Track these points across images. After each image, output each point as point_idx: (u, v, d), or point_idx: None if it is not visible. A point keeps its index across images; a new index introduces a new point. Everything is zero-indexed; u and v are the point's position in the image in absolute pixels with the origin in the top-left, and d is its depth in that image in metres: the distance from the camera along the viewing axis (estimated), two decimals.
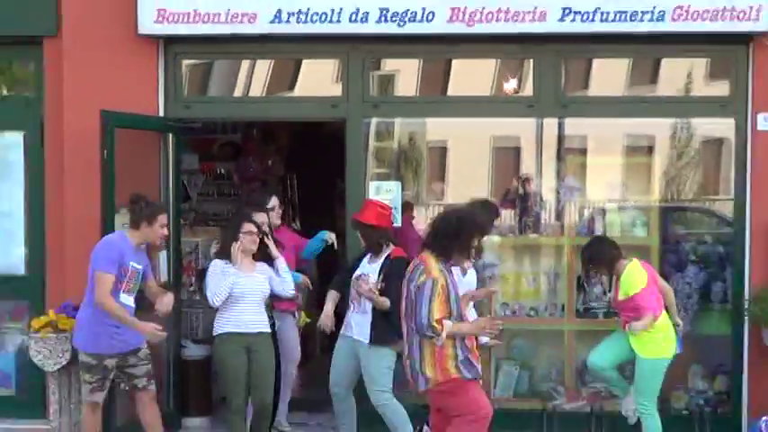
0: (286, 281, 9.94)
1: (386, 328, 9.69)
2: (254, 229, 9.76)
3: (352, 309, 10.05)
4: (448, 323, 8.20)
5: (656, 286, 9.71)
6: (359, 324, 9.92)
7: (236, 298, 9.61)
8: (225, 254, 9.79)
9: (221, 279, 9.60)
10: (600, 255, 9.73)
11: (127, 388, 9.62)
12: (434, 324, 8.15)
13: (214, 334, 9.84)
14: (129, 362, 9.44)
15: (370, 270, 9.94)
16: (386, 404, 9.85)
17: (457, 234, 8.49)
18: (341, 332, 10.14)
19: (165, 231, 9.67)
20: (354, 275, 10.04)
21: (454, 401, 8.44)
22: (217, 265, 9.75)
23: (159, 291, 9.75)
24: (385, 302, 9.69)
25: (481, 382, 8.70)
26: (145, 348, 9.61)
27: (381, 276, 9.78)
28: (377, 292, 9.73)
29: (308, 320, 11.45)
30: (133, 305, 9.46)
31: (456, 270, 9.14)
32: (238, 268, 9.64)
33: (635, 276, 9.65)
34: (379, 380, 9.83)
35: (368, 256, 10.06)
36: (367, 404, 10.10)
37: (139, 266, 9.47)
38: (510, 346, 11.37)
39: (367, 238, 9.99)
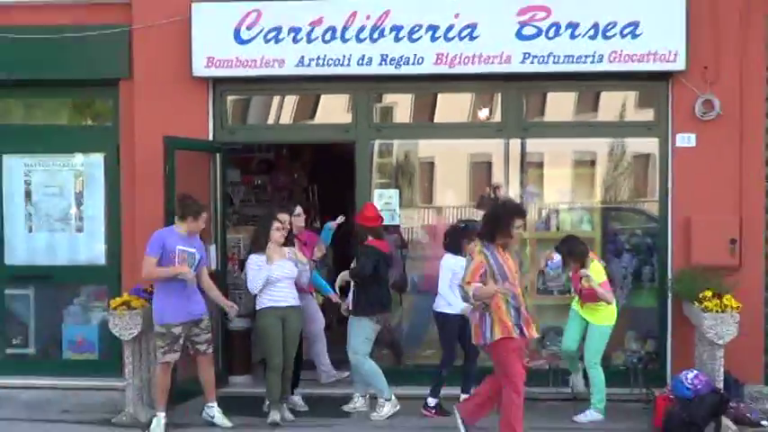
0: (303, 271, 10.25)
1: (362, 301, 10.16)
2: (281, 225, 10.05)
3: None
4: (474, 285, 8.49)
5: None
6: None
7: (271, 282, 9.89)
8: (257, 247, 10.06)
9: (258, 273, 9.89)
10: (575, 249, 9.93)
11: (191, 352, 9.89)
12: (463, 285, 8.62)
13: (257, 309, 10.05)
14: (192, 331, 9.77)
15: None
16: (357, 364, 10.27)
17: (496, 219, 8.85)
18: None
19: (203, 226, 9.98)
20: None
21: (495, 360, 8.86)
22: (253, 261, 9.99)
23: (211, 285, 10.07)
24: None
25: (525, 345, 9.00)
26: (207, 320, 9.94)
27: (354, 260, 10.29)
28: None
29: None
30: (190, 278, 9.73)
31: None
32: (270, 261, 9.92)
33: (600, 270, 9.95)
34: (356, 346, 10.24)
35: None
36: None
37: (191, 249, 9.76)
38: None
39: (355, 233, 10.47)
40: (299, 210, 10.98)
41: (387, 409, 10.23)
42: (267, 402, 10.12)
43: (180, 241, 9.71)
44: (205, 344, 9.96)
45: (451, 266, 10.16)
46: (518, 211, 9.07)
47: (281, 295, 10.03)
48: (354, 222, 10.54)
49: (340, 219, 11.17)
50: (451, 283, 10.01)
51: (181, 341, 9.76)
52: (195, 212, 9.81)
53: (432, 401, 10.35)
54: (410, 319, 11.76)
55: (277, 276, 9.97)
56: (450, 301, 10.14)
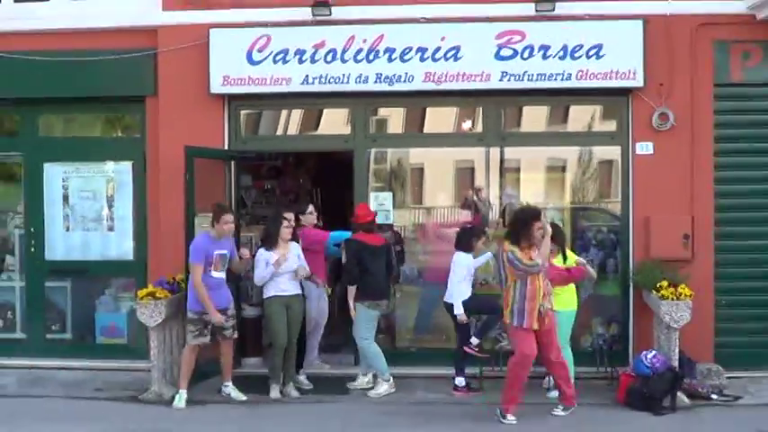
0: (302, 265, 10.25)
1: (359, 291, 10.20)
2: (288, 223, 10.19)
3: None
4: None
5: None
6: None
7: (276, 273, 10.01)
8: (267, 241, 10.19)
9: (264, 268, 10.01)
10: (560, 235, 9.91)
11: (218, 337, 9.98)
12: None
13: (264, 297, 10.18)
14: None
15: None
16: (362, 346, 10.30)
17: (519, 224, 9.14)
18: None
19: (229, 227, 9.97)
20: None
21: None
22: (262, 255, 10.11)
23: (239, 264, 10.33)
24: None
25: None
26: (232, 309, 10.14)
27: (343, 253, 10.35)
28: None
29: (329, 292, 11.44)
30: (223, 276, 10.00)
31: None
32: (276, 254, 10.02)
33: (573, 256, 10.06)
34: (358, 331, 10.28)
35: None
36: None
37: (224, 251, 9.96)
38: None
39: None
40: (311, 208, 11.15)
41: (384, 388, 10.23)
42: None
43: (214, 246, 9.88)
44: (231, 329, 10.08)
45: (465, 264, 10.29)
46: (536, 215, 9.24)
47: (284, 286, 10.12)
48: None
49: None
50: (464, 278, 10.26)
51: (210, 327, 9.89)
52: (216, 218, 9.90)
53: (460, 381, 10.37)
54: (404, 306, 11.67)
55: (282, 269, 10.03)
56: (459, 294, 10.28)
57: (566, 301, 9.90)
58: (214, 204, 10.22)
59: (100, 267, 11.76)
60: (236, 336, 10.21)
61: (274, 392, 10.12)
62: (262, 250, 10.23)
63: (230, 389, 10.15)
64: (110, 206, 11.78)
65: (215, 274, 9.90)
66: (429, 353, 11.42)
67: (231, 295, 10.29)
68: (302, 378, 10.66)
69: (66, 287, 11.89)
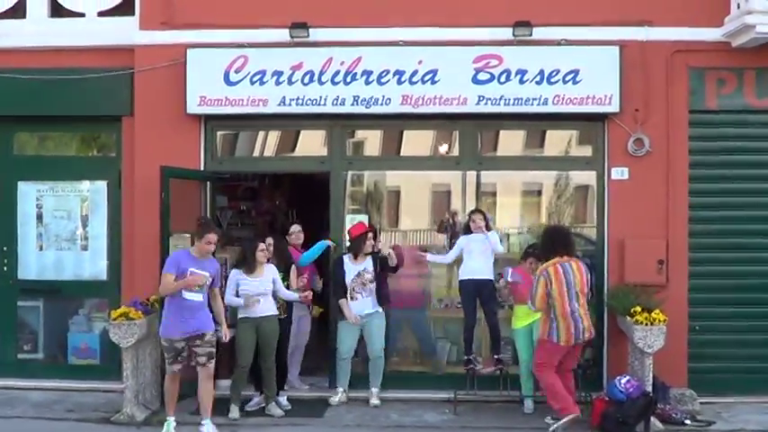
0: (281, 291, 10.27)
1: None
2: (263, 247, 10.16)
3: (360, 297, 10.62)
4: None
5: None
6: (367, 305, 10.60)
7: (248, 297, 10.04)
8: (241, 263, 10.18)
9: (234, 288, 10.10)
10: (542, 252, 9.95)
11: (192, 363, 9.46)
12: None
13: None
14: (194, 343, 9.35)
15: (360, 268, 10.62)
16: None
17: (554, 242, 9.62)
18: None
19: (210, 247, 9.42)
20: (354, 275, 10.62)
21: None
22: (234, 276, 10.16)
23: (219, 306, 9.79)
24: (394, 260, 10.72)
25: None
26: (210, 335, 9.46)
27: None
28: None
29: (321, 310, 11.53)
30: (201, 299, 9.36)
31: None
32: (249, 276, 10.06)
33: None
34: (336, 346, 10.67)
35: (346, 259, 10.63)
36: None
37: (203, 273, 9.30)
38: (445, 329, 11.53)
39: (353, 246, 10.63)
40: (294, 228, 11.27)
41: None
42: (258, 398, 10.46)
43: (192, 263, 9.36)
44: (204, 356, 9.45)
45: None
46: (558, 234, 9.87)
47: (255, 308, 10.08)
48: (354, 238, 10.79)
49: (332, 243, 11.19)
50: None
51: (184, 353, 9.42)
52: (199, 235, 9.48)
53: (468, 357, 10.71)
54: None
55: (254, 292, 10.06)
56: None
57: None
58: (198, 218, 10.08)
59: (73, 287, 11.68)
60: (210, 365, 9.51)
61: (233, 413, 10.08)
62: (234, 271, 10.22)
63: (206, 427, 9.51)
64: (84, 225, 11.71)
65: (188, 295, 9.28)
66: (404, 376, 11.38)
67: (212, 321, 9.63)
68: (282, 399, 10.58)
69: (38, 307, 11.81)
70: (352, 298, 10.65)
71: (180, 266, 9.33)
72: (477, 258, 10.65)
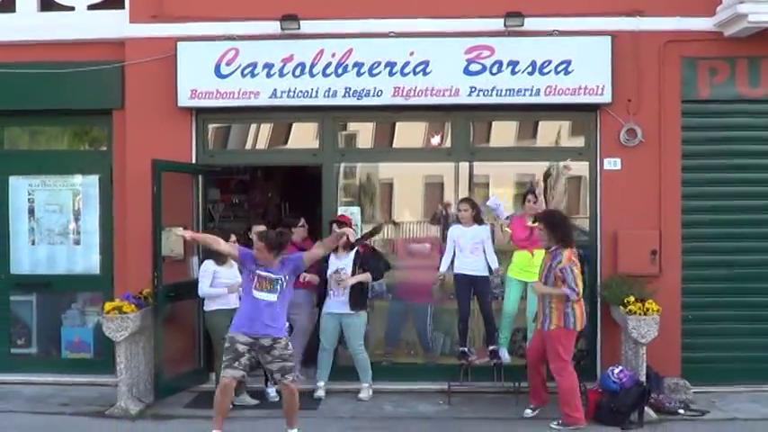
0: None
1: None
2: (235, 239, 9.96)
3: (332, 295, 10.55)
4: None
5: None
6: (339, 305, 10.50)
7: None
8: (213, 255, 9.95)
9: (209, 280, 10.01)
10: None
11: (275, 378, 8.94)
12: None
13: (205, 310, 10.20)
14: (265, 358, 8.70)
15: (340, 264, 10.51)
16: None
17: (567, 229, 9.63)
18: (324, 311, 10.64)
19: (261, 255, 8.62)
20: (332, 270, 10.51)
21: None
22: (208, 267, 10.12)
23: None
24: (368, 277, 10.52)
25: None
26: (282, 346, 8.68)
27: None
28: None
29: None
30: (271, 300, 8.65)
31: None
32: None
33: None
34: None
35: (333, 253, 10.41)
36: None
37: (267, 274, 8.61)
38: (439, 321, 11.55)
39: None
40: (302, 221, 11.22)
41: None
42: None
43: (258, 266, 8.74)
44: (290, 371, 8.75)
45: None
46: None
47: (227, 299, 10.10)
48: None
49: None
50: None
51: (247, 357, 8.64)
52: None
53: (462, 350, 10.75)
54: (373, 321, 11.53)
55: (225, 283, 10.07)
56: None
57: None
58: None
59: (66, 281, 11.68)
60: (286, 380, 8.71)
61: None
62: (208, 263, 10.18)
63: None
64: (76, 220, 11.71)
65: (257, 293, 8.66)
66: (399, 368, 11.43)
67: (282, 329, 8.82)
68: (271, 391, 10.55)
69: (31, 301, 11.82)
70: (327, 294, 10.64)
71: (243, 260, 8.84)
72: (468, 255, 10.68)
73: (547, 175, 10.98)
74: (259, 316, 8.63)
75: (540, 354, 9.62)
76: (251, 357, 8.73)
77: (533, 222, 9.99)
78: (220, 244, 8.93)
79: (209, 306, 10.18)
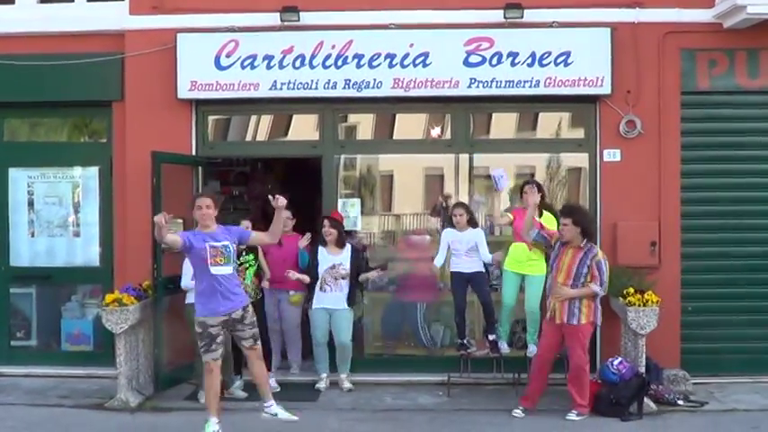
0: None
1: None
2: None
3: (329, 290, 10.52)
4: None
5: None
6: (335, 300, 10.48)
7: None
8: None
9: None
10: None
11: (240, 347, 8.87)
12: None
13: (186, 302, 10.04)
14: (235, 327, 8.64)
15: (335, 260, 10.52)
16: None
17: (591, 223, 9.70)
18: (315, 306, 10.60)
19: (201, 212, 8.53)
20: (327, 266, 10.52)
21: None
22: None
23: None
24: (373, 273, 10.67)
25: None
26: (249, 315, 8.70)
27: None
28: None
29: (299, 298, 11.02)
30: (229, 271, 8.56)
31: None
32: None
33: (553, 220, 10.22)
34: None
35: (322, 248, 10.56)
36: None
37: (218, 243, 8.47)
38: (439, 313, 11.55)
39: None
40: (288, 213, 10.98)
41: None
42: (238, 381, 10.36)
43: (201, 238, 8.51)
44: (250, 338, 8.72)
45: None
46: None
47: None
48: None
49: (306, 239, 10.93)
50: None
51: (219, 337, 8.57)
52: (191, 206, 8.77)
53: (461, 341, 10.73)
54: (371, 313, 11.66)
55: None
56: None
57: (539, 266, 10.27)
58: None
59: (65, 274, 11.68)
60: (257, 346, 8.78)
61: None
62: None
63: (273, 409, 8.82)
64: (76, 212, 11.72)
65: (214, 269, 8.48)
66: (399, 359, 11.47)
67: (244, 295, 8.97)
68: (271, 381, 10.32)
69: (31, 293, 11.82)
70: (321, 289, 10.58)
71: (190, 242, 8.46)
72: (463, 257, 10.64)
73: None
74: (223, 292, 8.54)
75: (554, 348, 9.66)
76: (224, 334, 8.71)
77: (539, 216, 10.15)
78: (165, 237, 8.41)
79: (190, 299, 10.00)
